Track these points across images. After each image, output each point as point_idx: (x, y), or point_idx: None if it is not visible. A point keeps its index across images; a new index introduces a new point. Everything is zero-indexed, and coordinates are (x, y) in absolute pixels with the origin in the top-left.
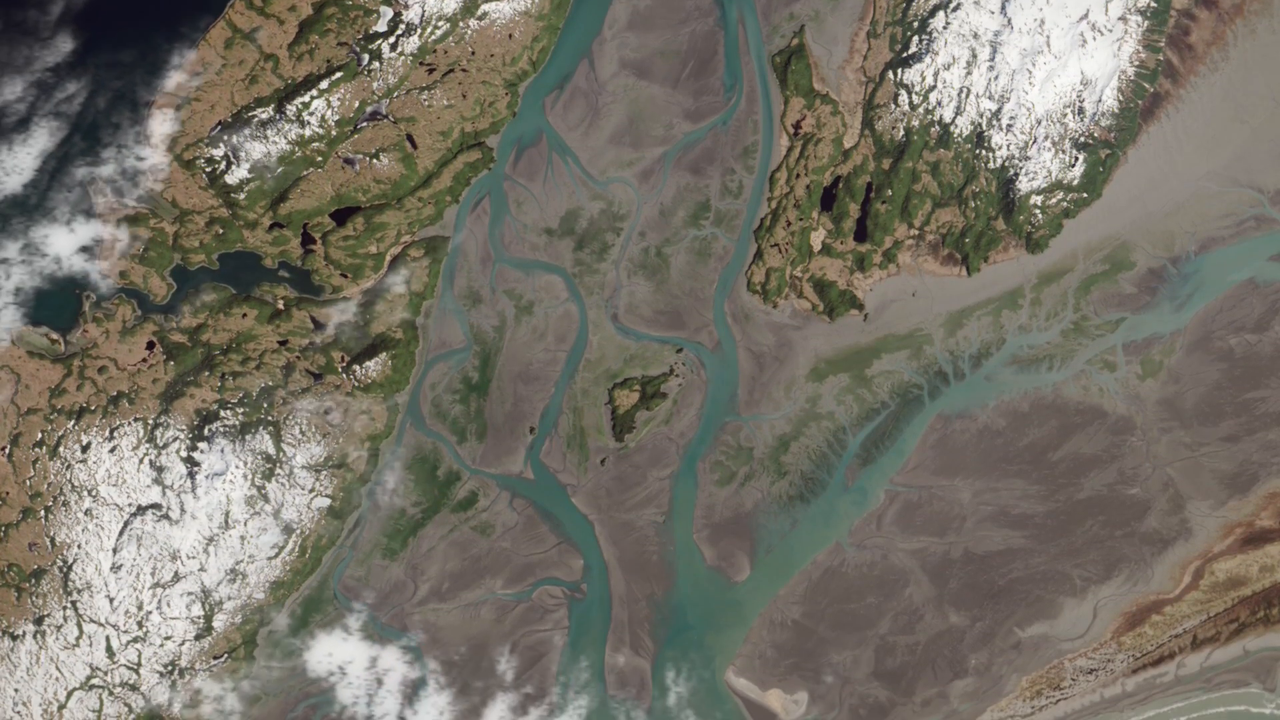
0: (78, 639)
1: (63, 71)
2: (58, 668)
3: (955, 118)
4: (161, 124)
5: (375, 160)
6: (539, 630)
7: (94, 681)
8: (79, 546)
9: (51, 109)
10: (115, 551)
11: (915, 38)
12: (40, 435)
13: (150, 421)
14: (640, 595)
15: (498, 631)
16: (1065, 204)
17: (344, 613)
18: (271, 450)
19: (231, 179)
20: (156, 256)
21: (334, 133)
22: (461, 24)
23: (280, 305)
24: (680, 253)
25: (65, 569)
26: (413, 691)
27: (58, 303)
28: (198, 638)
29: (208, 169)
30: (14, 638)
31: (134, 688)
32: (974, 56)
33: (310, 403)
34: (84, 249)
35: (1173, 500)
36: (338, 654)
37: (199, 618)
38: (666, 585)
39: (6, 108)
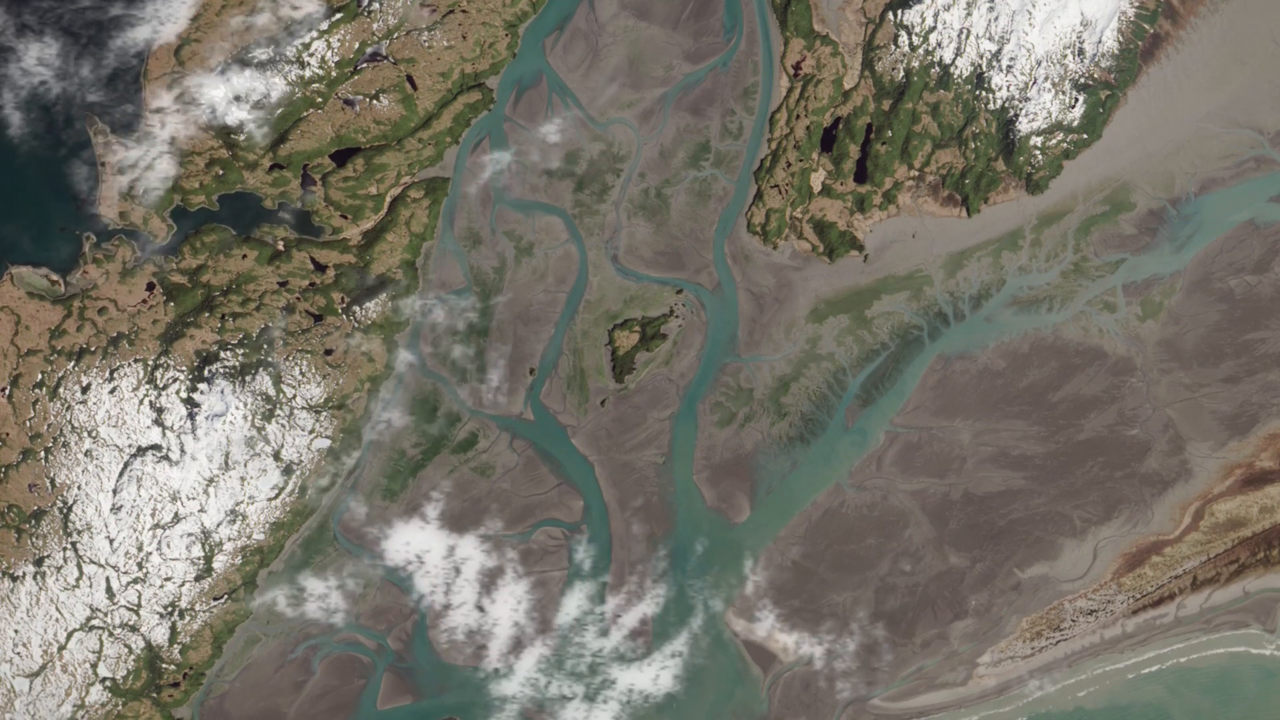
0: (78, 580)
1: None
2: (58, 609)
3: (955, 59)
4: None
5: (375, 101)
6: (538, 570)
7: (94, 622)
8: (79, 487)
9: None
10: (115, 493)
11: None
12: (40, 376)
13: (150, 362)
14: (640, 536)
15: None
16: (1065, 145)
17: (344, 556)
18: (271, 391)
19: (231, 120)
20: (157, 197)
21: (334, 74)
22: None
23: (280, 246)
24: (680, 194)
25: (65, 510)
26: (490, 580)
27: (58, 243)
28: (198, 579)
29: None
30: (14, 579)
31: (134, 629)
32: None
33: (310, 343)
34: (237, 98)
35: (1173, 441)
36: (415, 543)
37: (199, 559)
38: (666, 526)
39: None
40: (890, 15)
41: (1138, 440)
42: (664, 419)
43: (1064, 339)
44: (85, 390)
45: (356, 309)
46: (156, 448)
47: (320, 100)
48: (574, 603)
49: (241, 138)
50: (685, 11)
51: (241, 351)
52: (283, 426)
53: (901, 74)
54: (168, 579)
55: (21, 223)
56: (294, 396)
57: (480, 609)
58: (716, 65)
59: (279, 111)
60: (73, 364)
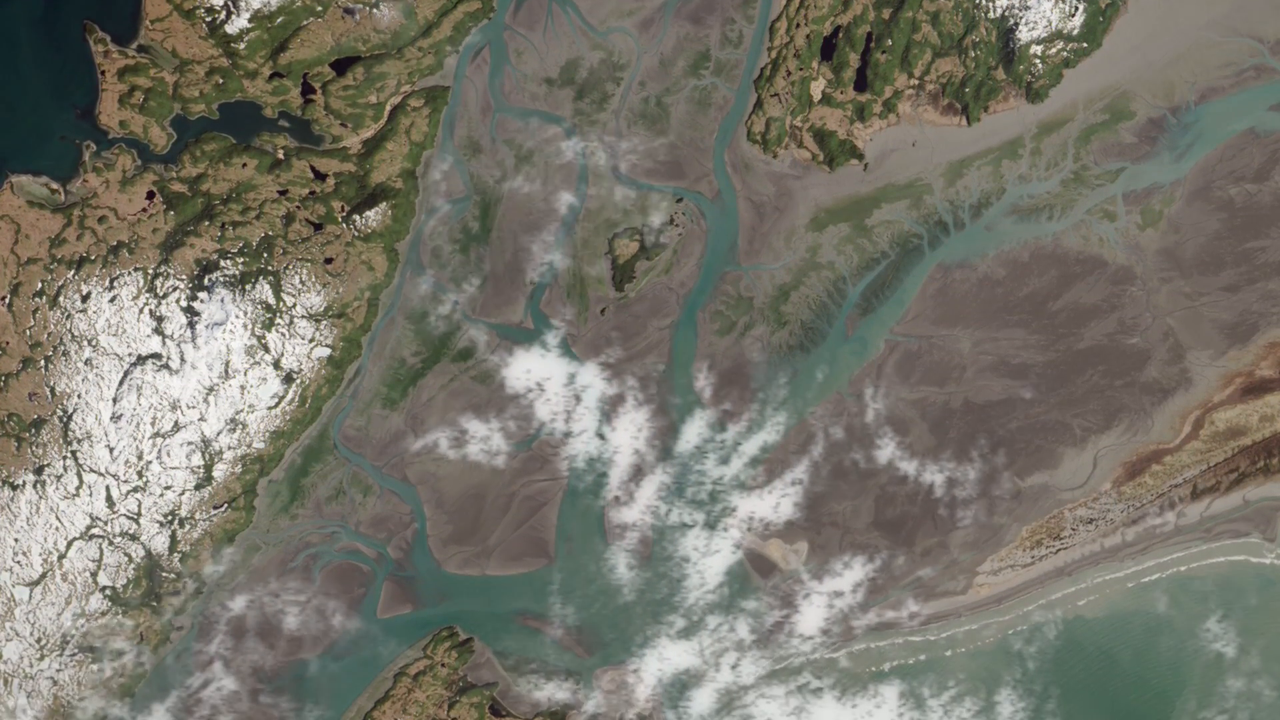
0: (78, 489)
1: None
2: (58, 517)
3: None
4: None
5: (375, 10)
6: (538, 480)
7: (94, 531)
8: (79, 396)
9: None
10: (115, 401)
11: None
12: (40, 285)
13: (150, 271)
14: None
15: (496, 481)
16: (1065, 54)
17: (344, 462)
18: (271, 300)
19: (231, 28)
20: (156, 106)
21: None
22: None
23: (280, 155)
24: (680, 102)
25: (65, 419)
26: (611, 408)
27: (58, 152)
28: (198, 487)
29: (208, 18)
30: (14, 487)
31: (134, 537)
32: None
33: (310, 251)
34: None
35: (1173, 350)
36: (536, 370)
37: (199, 467)
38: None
39: None
40: None
41: (1138, 349)
42: (664, 327)
43: (1064, 247)
44: (85, 299)
45: (356, 218)
46: (156, 356)
47: (320, 9)
48: (694, 430)
49: None
50: None
51: (241, 260)
52: (283, 335)
53: None
54: (168, 488)
55: (21, 131)
56: (294, 305)
57: (601, 436)
58: None
59: (278, 20)
60: (73, 272)
